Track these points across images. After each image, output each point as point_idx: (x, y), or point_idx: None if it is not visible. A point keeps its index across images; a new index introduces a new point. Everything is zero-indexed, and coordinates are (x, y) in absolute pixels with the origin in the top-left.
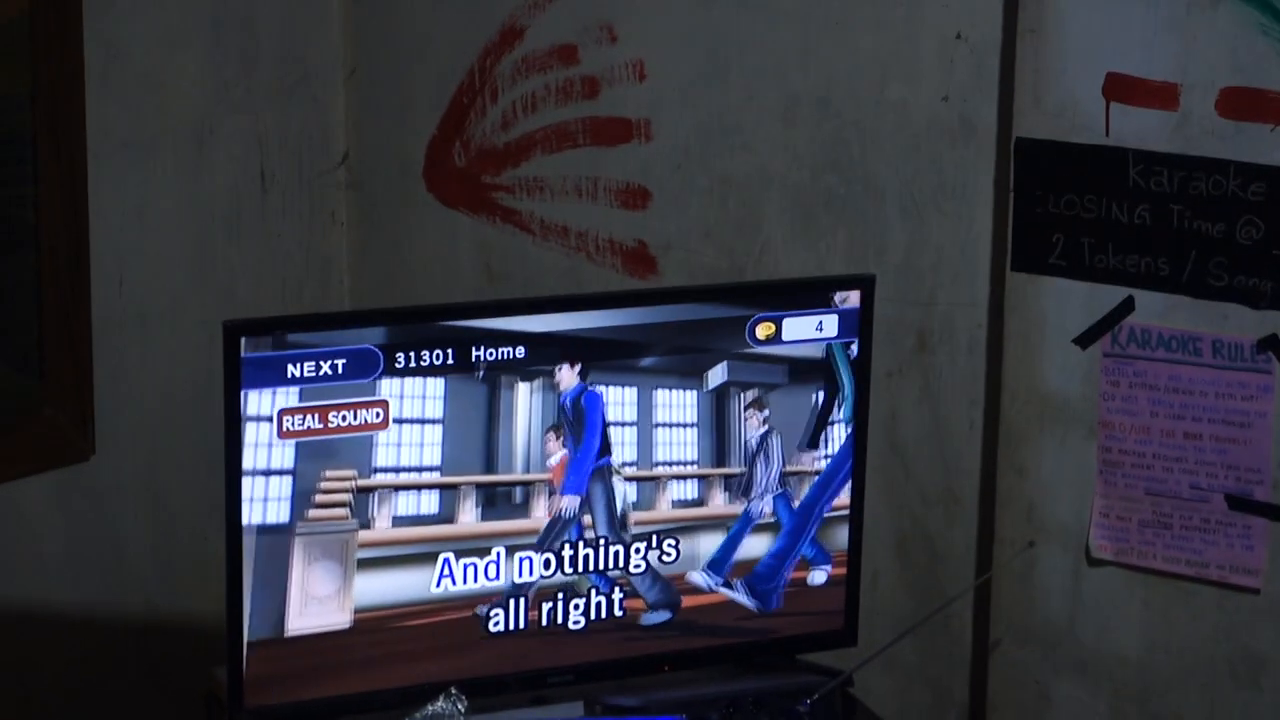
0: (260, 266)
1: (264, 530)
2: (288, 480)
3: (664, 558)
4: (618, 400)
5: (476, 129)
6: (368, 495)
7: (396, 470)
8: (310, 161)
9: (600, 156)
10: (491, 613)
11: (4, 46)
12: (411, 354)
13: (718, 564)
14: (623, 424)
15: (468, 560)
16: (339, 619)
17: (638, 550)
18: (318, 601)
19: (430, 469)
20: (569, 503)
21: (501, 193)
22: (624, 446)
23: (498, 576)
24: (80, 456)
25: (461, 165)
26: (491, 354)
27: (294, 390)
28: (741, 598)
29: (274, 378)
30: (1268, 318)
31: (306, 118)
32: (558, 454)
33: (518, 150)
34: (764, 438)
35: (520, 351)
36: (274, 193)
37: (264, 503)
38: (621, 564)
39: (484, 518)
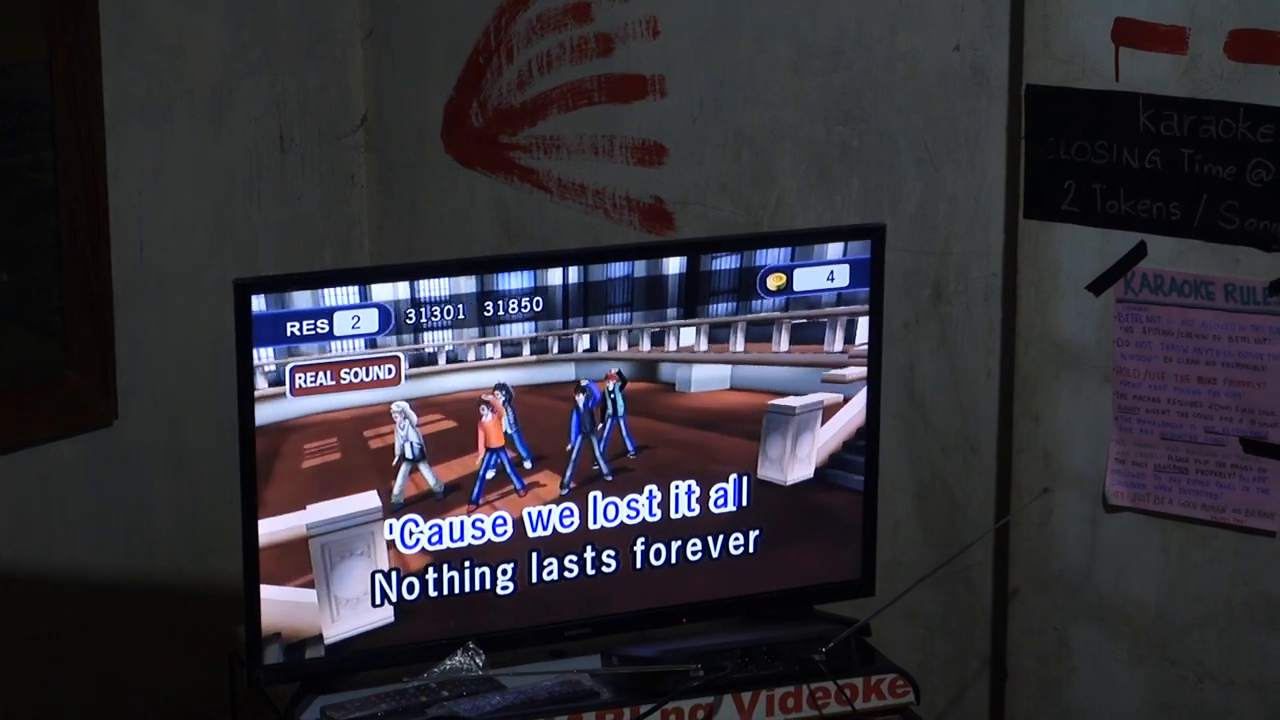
0: (281, 229)
1: None
2: None
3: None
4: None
5: (493, 89)
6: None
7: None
8: (329, 124)
9: (615, 114)
10: (505, 567)
11: (20, 12)
12: (423, 310)
13: None
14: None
15: (477, 516)
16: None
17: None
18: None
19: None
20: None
21: (518, 152)
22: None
23: (506, 533)
24: (103, 420)
25: (479, 125)
26: (504, 309)
27: (305, 347)
28: None
29: (286, 335)
30: (1279, 260)
31: (325, 80)
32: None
33: (534, 109)
34: None
35: (538, 304)
36: (293, 155)
37: None
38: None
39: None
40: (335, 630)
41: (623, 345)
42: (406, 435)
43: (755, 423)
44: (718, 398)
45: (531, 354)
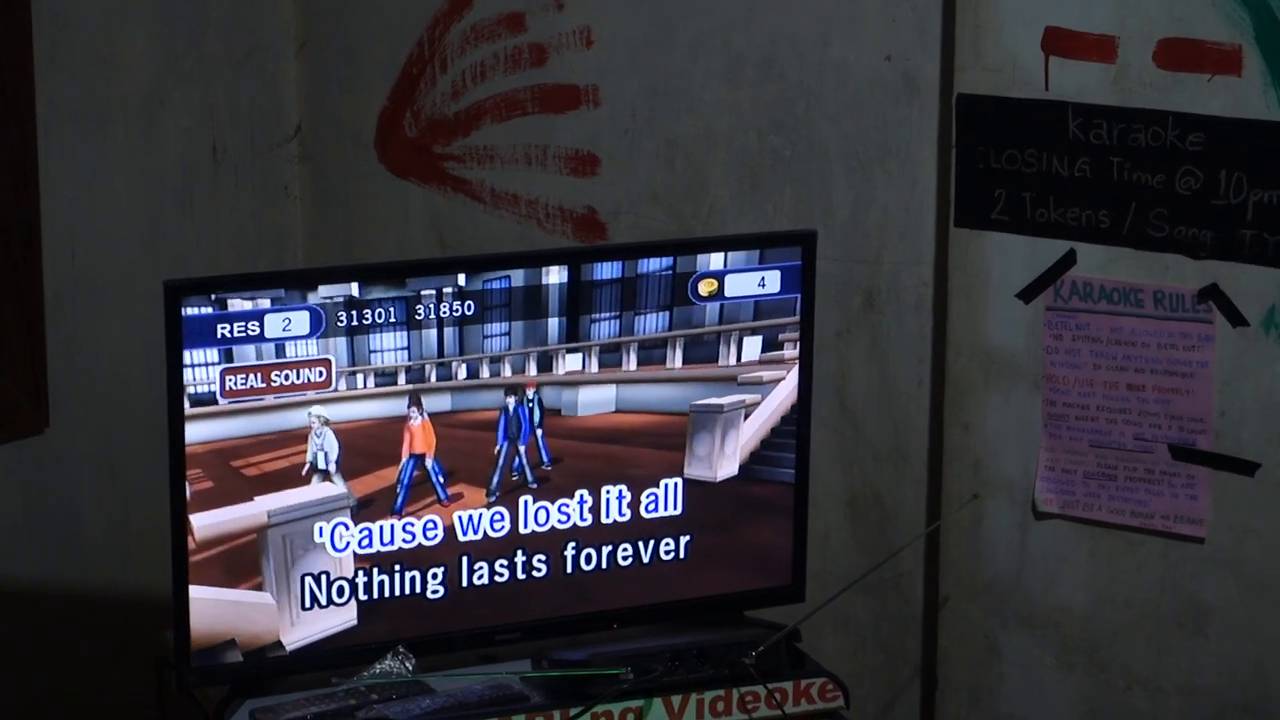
0: (213, 239)
1: None
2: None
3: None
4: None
5: (427, 99)
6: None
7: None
8: (262, 134)
9: (549, 124)
10: (435, 571)
11: None
12: (354, 313)
13: None
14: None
15: (407, 520)
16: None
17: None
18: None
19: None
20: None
21: (452, 162)
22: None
23: (436, 537)
24: (34, 429)
25: (412, 136)
26: (434, 312)
27: (236, 350)
28: None
29: (216, 338)
30: (1207, 267)
31: (258, 90)
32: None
33: (467, 119)
34: None
35: (470, 308)
36: (226, 165)
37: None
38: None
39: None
40: (296, 635)
41: (525, 365)
42: (322, 444)
43: (660, 435)
44: (607, 419)
45: (445, 372)
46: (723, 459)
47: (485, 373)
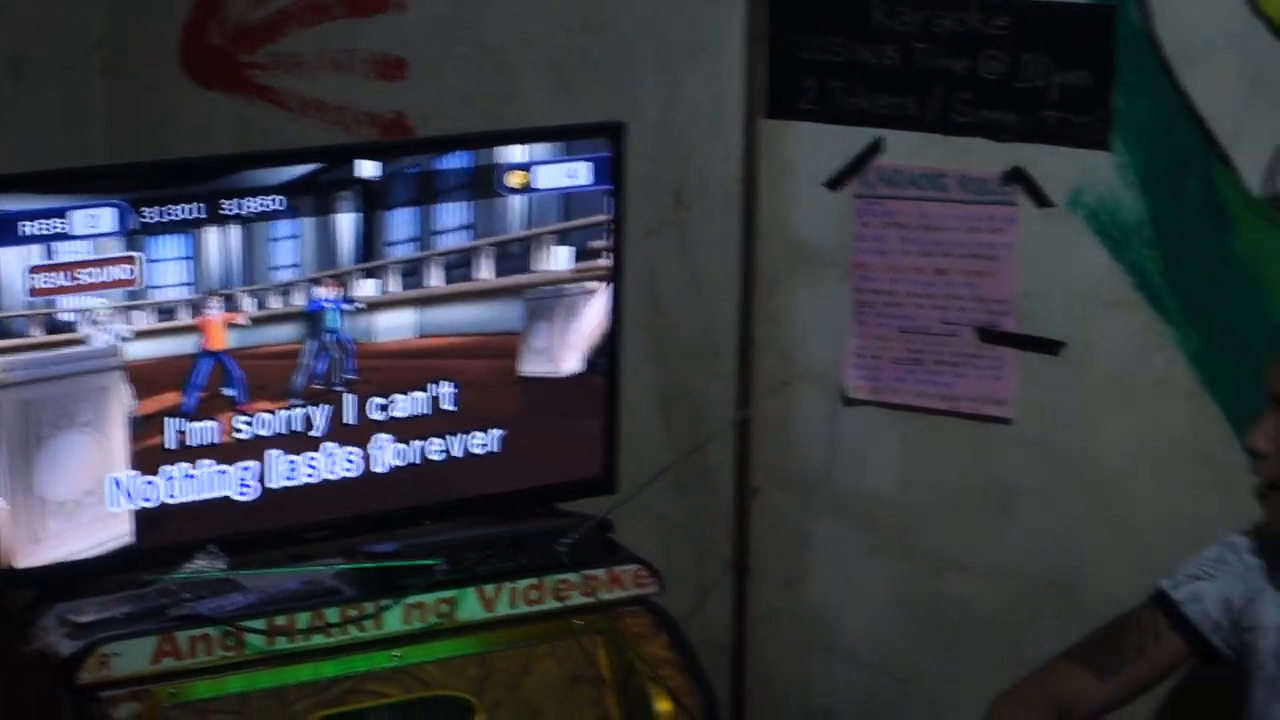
0: (15, 155)
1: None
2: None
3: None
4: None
5: (232, 7)
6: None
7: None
8: (65, 47)
9: (355, 28)
10: (245, 468)
11: None
12: (160, 210)
13: None
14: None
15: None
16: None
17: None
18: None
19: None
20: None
21: (258, 70)
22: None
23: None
24: None
25: (218, 44)
26: (242, 207)
27: (42, 248)
28: None
29: (21, 236)
30: (1011, 150)
31: (58, 2)
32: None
33: (273, 25)
34: None
35: (277, 203)
36: (28, 79)
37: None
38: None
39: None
40: (41, 557)
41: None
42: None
43: (472, 350)
44: (408, 344)
45: (233, 305)
46: (565, 351)
47: (275, 304)
